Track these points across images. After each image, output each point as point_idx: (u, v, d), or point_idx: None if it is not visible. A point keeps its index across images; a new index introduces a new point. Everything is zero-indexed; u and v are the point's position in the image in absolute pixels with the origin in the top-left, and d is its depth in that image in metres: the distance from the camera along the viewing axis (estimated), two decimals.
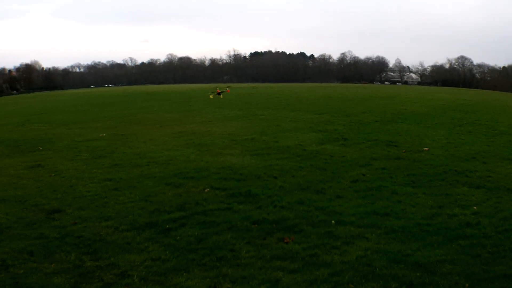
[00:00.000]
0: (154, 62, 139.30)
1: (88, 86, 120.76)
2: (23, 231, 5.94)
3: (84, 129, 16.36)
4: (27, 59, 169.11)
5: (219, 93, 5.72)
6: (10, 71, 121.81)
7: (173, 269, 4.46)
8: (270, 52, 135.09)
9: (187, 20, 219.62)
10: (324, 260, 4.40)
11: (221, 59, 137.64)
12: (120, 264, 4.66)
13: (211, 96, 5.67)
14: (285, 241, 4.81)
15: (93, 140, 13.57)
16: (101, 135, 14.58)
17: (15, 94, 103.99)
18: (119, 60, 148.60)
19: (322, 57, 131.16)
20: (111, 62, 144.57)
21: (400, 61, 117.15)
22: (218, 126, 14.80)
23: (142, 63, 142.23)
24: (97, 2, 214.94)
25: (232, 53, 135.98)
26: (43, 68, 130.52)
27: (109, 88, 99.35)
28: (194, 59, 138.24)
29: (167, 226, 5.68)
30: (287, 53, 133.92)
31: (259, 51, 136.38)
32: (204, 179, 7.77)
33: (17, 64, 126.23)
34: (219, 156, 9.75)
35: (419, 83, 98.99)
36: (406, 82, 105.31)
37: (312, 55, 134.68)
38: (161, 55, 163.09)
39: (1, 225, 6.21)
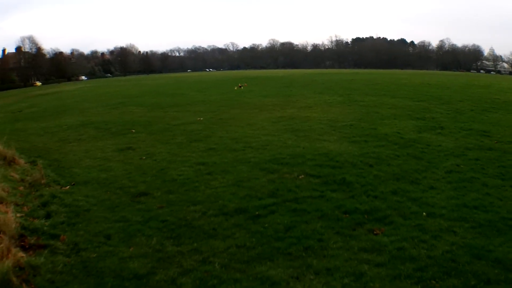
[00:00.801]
0: (256, 47, 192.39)
1: (188, 71, 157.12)
2: (103, 214, 7.80)
3: (181, 113, 21.48)
4: (121, 43, 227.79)
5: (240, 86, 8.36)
6: (102, 53, 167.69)
7: (257, 257, 5.84)
8: (371, 38, 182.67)
9: (290, 4, 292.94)
10: (411, 254, 5.80)
11: (323, 45, 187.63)
12: (203, 250, 6.09)
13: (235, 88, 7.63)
14: (374, 232, 6.38)
15: (189, 123, 17.84)
16: (198, 119, 19.01)
17: (109, 76, 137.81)
18: (220, 44, 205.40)
19: (422, 43, 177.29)
20: (212, 47, 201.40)
21: (494, 50, 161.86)
22: (318, 111, 19.57)
23: (244, 48, 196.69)
24: None
25: (334, 39, 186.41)
26: (139, 51, 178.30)
27: (209, 73, 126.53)
28: (296, 45, 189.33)
29: (257, 212, 7.42)
30: (388, 39, 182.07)
31: (361, 36, 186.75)
32: (299, 166, 10.22)
33: (111, 47, 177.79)
34: (316, 142, 12.80)
35: (510, 73, 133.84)
36: (499, 72, 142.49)
37: (412, 42, 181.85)
38: (263, 40, 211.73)
39: (79, 207, 8.18)
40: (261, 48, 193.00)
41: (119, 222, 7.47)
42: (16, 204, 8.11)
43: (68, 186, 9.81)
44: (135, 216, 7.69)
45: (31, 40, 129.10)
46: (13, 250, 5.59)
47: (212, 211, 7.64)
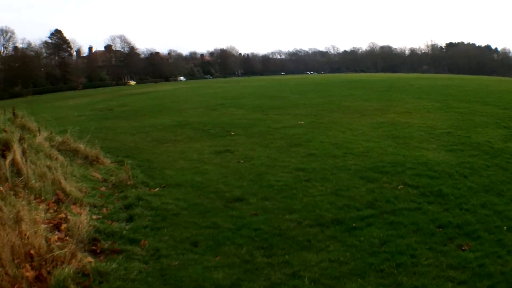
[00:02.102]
0: (356, 50, 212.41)
1: (289, 73, 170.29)
2: (193, 219, 8.03)
3: (281, 116, 22.58)
4: (222, 45, 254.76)
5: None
6: (202, 55, 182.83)
7: (349, 273, 6.02)
8: (462, 43, 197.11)
9: (389, 7, 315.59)
10: (489, 270, 6.09)
11: (419, 49, 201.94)
12: (294, 263, 6.28)
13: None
14: (462, 248, 6.78)
15: (290, 127, 18.76)
16: (299, 122, 19.95)
17: (209, 78, 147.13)
18: (321, 47, 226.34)
19: (503, 50, 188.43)
20: (313, 49, 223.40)
21: None
22: (417, 117, 20.62)
23: (344, 51, 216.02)
24: None
25: (429, 43, 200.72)
26: (240, 54, 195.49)
27: (310, 75, 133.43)
28: (395, 48, 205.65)
29: (354, 224, 7.74)
30: (476, 44, 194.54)
31: (453, 41, 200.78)
32: (399, 175, 10.77)
33: (210, 49, 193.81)
34: (415, 150, 13.52)
35: None
36: None
37: (496, 48, 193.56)
38: (362, 44, 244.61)
39: (167, 211, 8.49)
40: (361, 52, 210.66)
41: (209, 228, 7.65)
42: (94, 206, 8.46)
43: (157, 188, 10.17)
44: (226, 222, 7.89)
45: (122, 39, 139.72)
46: (79, 255, 5.72)
47: (308, 221, 7.96)
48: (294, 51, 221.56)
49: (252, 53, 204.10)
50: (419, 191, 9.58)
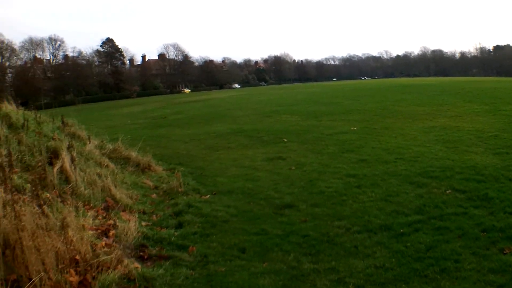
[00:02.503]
0: (408, 54, 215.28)
1: (344, 79, 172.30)
2: (242, 226, 8.19)
3: (335, 122, 23.27)
4: (276, 51, 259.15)
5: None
6: (256, 62, 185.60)
7: (393, 279, 6.08)
8: (508, 45, 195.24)
9: (439, 10, 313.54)
10: None
11: (469, 52, 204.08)
12: (340, 269, 6.37)
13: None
14: (504, 252, 6.80)
15: (343, 133, 19.21)
16: (352, 128, 20.42)
17: (264, 85, 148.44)
18: (374, 52, 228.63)
19: None
20: (366, 55, 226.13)
21: None
22: (467, 121, 21.15)
23: (397, 55, 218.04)
24: None
25: (478, 46, 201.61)
26: (294, 60, 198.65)
27: (364, 81, 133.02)
28: (446, 52, 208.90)
29: (401, 230, 7.85)
30: None
31: (501, 44, 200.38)
32: (447, 179, 10.90)
33: (264, 56, 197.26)
34: (464, 154, 13.76)
35: None
36: None
37: None
38: (415, 48, 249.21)
39: (217, 218, 8.66)
40: (413, 56, 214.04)
41: (258, 235, 7.76)
42: (143, 213, 8.69)
43: (208, 195, 10.39)
44: (275, 229, 8.00)
45: (176, 47, 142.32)
46: (125, 260, 5.83)
47: (357, 227, 8.09)
48: (347, 56, 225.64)
49: (306, 59, 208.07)
50: (466, 195, 9.71)
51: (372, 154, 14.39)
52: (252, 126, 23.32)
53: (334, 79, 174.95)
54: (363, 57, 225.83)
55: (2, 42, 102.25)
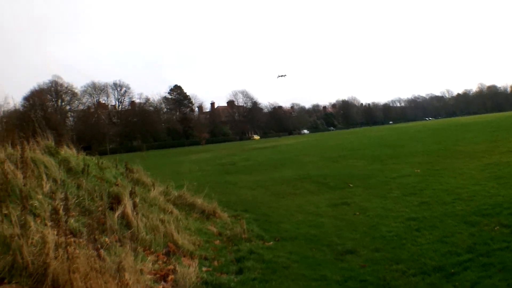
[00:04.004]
0: (467, 92, 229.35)
1: (409, 120, 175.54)
2: (302, 272, 8.26)
3: (399, 165, 23.38)
4: (343, 96, 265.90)
5: None
6: (324, 107, 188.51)
7: None
8: None
9: (494, 45, 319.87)
10: None
11: None
12: None
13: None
14: None
15: (406, 176, 19.37)
16: (416, 170, 20.58)
17: (332, 130, 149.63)
18: (436, 92, 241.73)
19: None
20: (429, 95, 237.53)
21: None
22: None
23: (458, 94, 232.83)
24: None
25: None
26: (362, 103, 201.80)
27: (428, 122, 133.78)
28: (499, 87, 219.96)
29: (452, 270, 7.96)
30: None
31: None
32: (497, 216, 10.98)
33: (332, 101, 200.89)
34: None
35: None
36: None
37: None
38: (473, 85, 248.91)
39: (278, 264, 8.74)
40: (472, 93, 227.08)
41: (317, 281, 7.81)
42: (205, 258, 8.83)
43: (271, 242, 10.47)
44: (335, 275, 8.04)
45: (245, 94, 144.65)
46: None
47: (413, 270, 8.18)
48: (412, 97, 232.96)
49: (373, 102, 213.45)
50: (510, 230, 9.81)
51: (433, 196, 14.50)
52: (318, 172, 23.44)
53: (390, 122, 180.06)
54: (427, 97, 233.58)
55: (62, 85, 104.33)
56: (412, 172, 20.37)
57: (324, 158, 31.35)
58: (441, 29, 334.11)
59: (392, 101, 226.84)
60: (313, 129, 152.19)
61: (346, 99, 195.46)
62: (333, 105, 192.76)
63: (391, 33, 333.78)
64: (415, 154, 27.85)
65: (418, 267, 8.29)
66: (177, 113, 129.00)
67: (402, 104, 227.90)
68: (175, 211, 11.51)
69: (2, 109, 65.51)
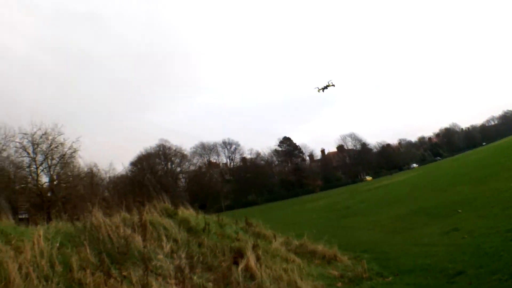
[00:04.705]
0: None
1: (504, 136, 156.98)
2: None
3: (498, 182, 23.25)
4: (444, 123, 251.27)
5: None
6: (429, 138, 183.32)
7: None
8: None
9: None
10: None
11: None
12: None
13: None
14: None
15: (504, 191, 19.36)
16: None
17: (438, 159, 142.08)
18: None
19: None
20: None
21: None
22: None
23: None
24: None
25: None
26: (462, 128, 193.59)
27: None
28: None
29: None
30: None
31: None
32: None
33: (436, 130, 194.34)
34: None
35: None
36: None
37: None
38: None
39: None
40: None
41: None
42: None
43: (390, 277, 10.79)
44: None
45: (353, 137, 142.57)
46: None
47: (506, 276, 8.65)
48: (502, 113, 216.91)
49: (472, 125, 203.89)
50: None
51: None
52: (429, 203, 23.55)
53: (484, 144, 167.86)
54: None
55: (170, 148, 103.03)
56: (510, 186, 20.01)
57: (433, 189, 31.26)
58: None
59: (487, 120, 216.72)
60: (421, 161, 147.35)
61: (448, 126, 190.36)
62: (437, 135, 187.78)
63: (479, 52, 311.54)
64: (510, 168, 27.69)
65: (509, 273, 8.75)
66: (289, 164, 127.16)
67: (496, 122, 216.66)
68: (297, 260, 11.96)
69: (109, 176, 67.99)
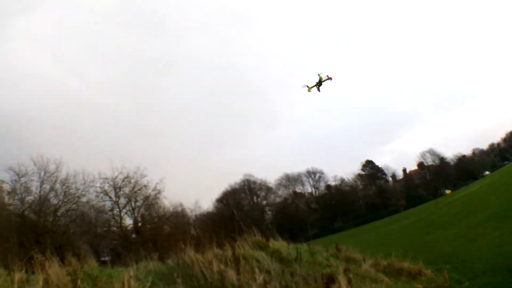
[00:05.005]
0: None
1: None
2: None
3: None
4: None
5: None
6: (498, 144, 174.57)
7: None
8: None
9: None
10: None
11: None
12: None
13: None
14: None
15: None
16: None
17: (506, 163, 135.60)
18: None
19: None
20: None
21: None
22: None
23: None
24: None
25: None
26: None
27: None
28: None
29: None
30: None
31: None
32: None
33: (502, 134, 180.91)
34: None
35: None
36: None
37: None
38: None
39: None
40: None
41: None
42: None
43: (467, 283, 11.89)
44: None
45: (432, 152, 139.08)
46: None
47: None
48: None
49: None
50: None
51: None
52: (501, 207, 24.16)
53: None
54: None
55: (254, 182, 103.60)
56: None
57: (505, 193, 31.64)
58: None
59: None
60: (492, 167, 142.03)
61: None
62: (504, 140, 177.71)
63: None
64: None
65: None
66: (373, 187, 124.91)
67: None
68: (385, 279, 12.77)
69: (195, 214, 67.39)
